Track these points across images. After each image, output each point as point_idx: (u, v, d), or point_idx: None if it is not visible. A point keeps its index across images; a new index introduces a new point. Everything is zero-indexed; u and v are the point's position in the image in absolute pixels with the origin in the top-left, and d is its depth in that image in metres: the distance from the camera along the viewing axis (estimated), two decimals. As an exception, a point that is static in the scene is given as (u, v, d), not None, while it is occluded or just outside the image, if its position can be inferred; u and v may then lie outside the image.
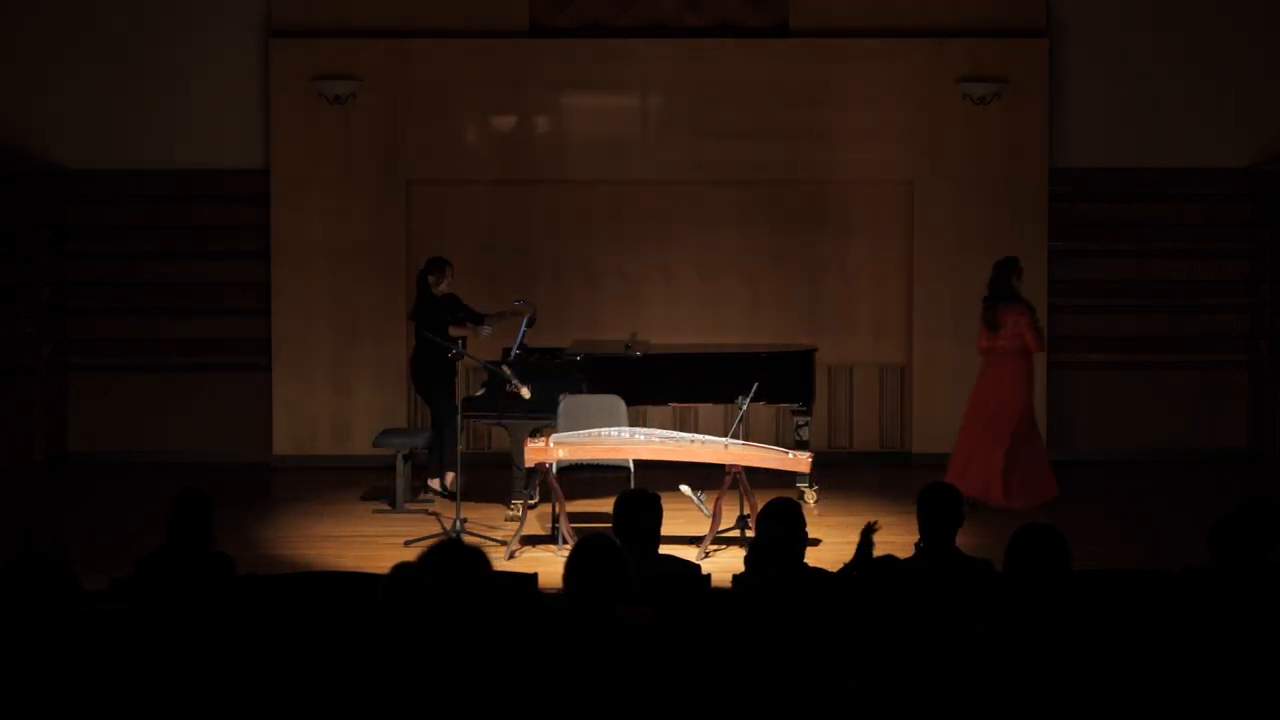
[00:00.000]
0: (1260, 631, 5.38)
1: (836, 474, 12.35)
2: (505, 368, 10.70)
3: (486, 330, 11.72)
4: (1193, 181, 13.53)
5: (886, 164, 13.39)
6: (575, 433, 10.19)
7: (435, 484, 11.81)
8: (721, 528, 10.03)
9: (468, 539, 10.05)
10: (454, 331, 11.49)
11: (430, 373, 11.53)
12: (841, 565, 6.39)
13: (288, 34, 13.29)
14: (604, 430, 10.24)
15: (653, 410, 12.84)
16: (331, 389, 13.38)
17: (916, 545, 6.38)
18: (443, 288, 11.65)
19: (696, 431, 11.67)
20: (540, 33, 13.43)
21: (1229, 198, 13.54)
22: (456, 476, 10.89)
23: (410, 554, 7.79)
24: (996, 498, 11.22)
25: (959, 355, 13.36)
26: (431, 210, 13.44)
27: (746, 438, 10.64)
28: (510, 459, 10.98)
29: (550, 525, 10.26)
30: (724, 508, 10.00)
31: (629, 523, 6.44)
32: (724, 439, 10.17)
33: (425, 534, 10.32)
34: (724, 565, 9.16)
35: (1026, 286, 13.42)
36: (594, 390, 10.82)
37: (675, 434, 10.57)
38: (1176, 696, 5.16)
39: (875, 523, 6.52)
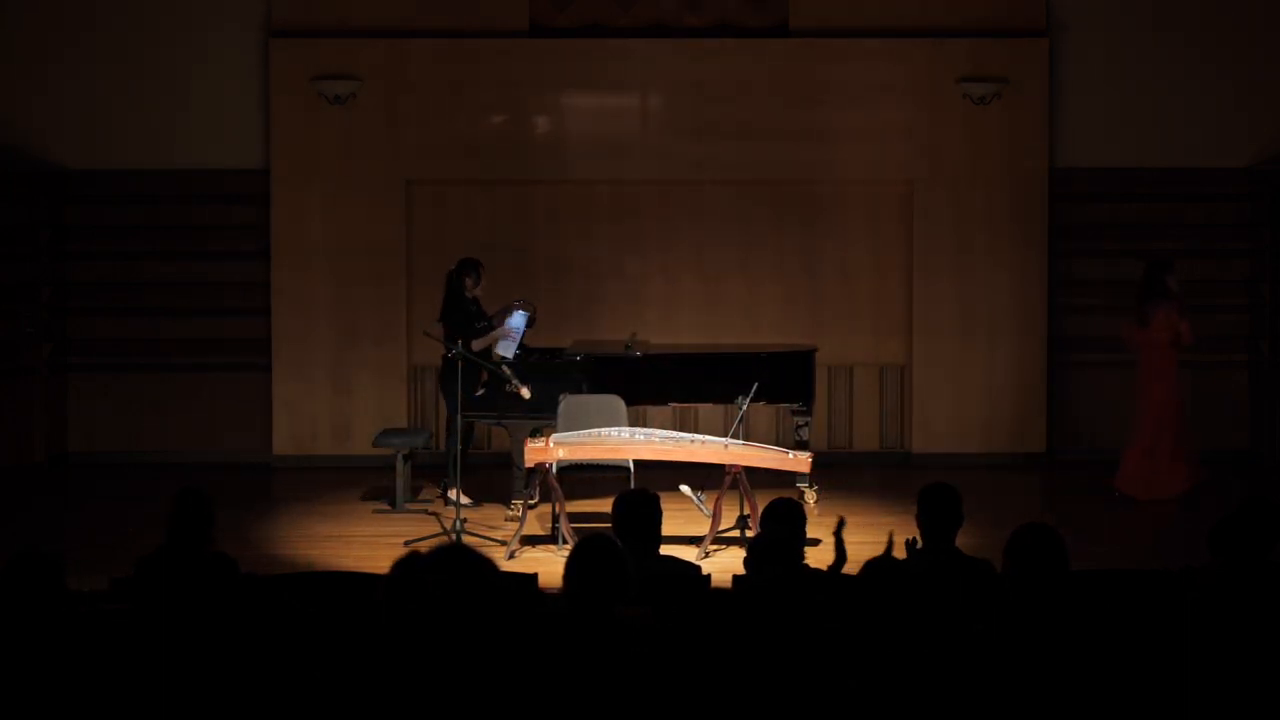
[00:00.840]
0: (1260, 631, 5.38)
1: (836, 474, 12.35)
2: (505, 368, 10.69)
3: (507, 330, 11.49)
4: (1193, 181, 13.53)
5: (886, 164, 13.38)
6: (575, 433, 10.19)
7: (453, 494, 11.64)
8: (721, 528, 10.03)
9: (468, 539, 10.08)
10: (476, 344, 11.38)
11: (442, 374, 11.43)
12: (827, 567, 6.39)
13: (288, 34, 13.29)
14: (604, 430, 10.23)
15: (653, 410, 12.83)
16: (331, 389, 13.38)
17: (908, 542, 6.35)
18: (478, 290, 11.55)
19: (696, 431, 11.67)
20: (540, 33, 13.43)
21: (1229, 198, 13.53)
22: (455, 486, 10.76)
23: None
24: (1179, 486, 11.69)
25: (959, 355, 13.38)
26: (431, 210, 13.44)
27: (746, 438, 10.63)
28: (510, 459, 10.97)
29: (550, 525, 10.26)
30: (724, 508, 10.00)
31: (629, 523, 6.44)
32: (724, 439, 10.17)
33: (425, 534, 10.33)
34: (724, 565, 9.16)
35: (1028, 285, 13.47)
36: (594, 390, 10.82)
37: (675, 434, 10.56)
38: (1176, 696, 5.16)
39: (843, 519, 6.56)
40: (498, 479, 11.67)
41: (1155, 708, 5.10)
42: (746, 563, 6.25)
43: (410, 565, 4.75)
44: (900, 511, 9.93)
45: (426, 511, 11.28)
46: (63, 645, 5.01)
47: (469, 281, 11.48)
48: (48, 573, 5.13)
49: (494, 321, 11.59)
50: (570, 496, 10.57)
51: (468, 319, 11.36)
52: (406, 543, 10.16)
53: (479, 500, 11.48)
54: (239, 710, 5.22)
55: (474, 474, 11.83)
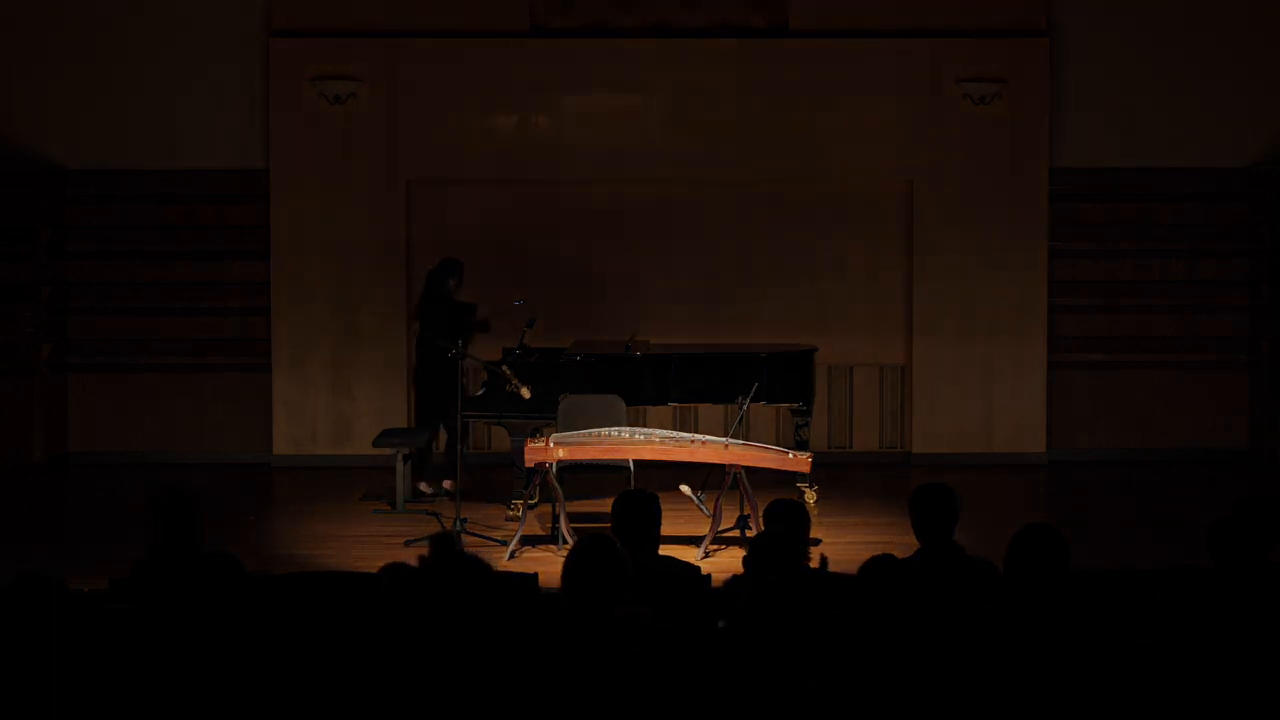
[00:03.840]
0: (1260, 632, 5.38)
1: (836, 474, 12.35)
2: (505, 368, 10.70)
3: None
4: (1193, 181, 13.54)
5: (886, 164, 13.39)
6: (575, 433, 10.19)
7: (447, 484, 11.72)
8: (721, 528, 10.03)
9: (468, 539, 10.09)
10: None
11: (439, 375, 11.46)
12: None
13: (288, 34, 13.29)
14: (604, 430, 10.23)
15: (653, 410, 12.84)
16: (331, 389, 13.38)
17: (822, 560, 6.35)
18: (458, 292, 11.60)
19: (696, 431, 11.67)
20: (540, 33, 13.43)
21: (1229, 198, 13.54)
22: (455, 482, 10.83)
23: (410, 554, 7.80)
24: None
25: (959, 355, 13.39)
26: (431, 210, 13.44)
27: (746, 438, 10.64)
28: (510, 459, 10.98)
29: (550, 525, 10.26)
30: (724, 508, 10.00)
31: (628, 523, 6.43)
32: (724, 439, 10.17)
33: (425, 534, 10.32)
34: (724, 565, 9.16)
35: (1028, 285, 13.48)
36: (594, 390, 10.82)
37: (675, 434, 10.56)
38: (1176, 697, 5.16)
39: (825, 557, 6.57)
40: (498, 479, 11.66)
41: (1155, 708, 5.10)
42: (746, 562, 6.24)
43: (402, 569, 4.75)
44: (900, 512, 9.89)
45: (426, 511, 11.27)
46: (63, 652, 5.00)
47: (453, 283, 11.56)
48: (46, 595, 5.10)
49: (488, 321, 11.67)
50: (570, 496, 10.57)
51: (455, 319, 11.39)
52: (407, 542, 10.18)
53: (468, 494, 11.47)
54: (239, 710, 5.22)
55: (474, 474, 11.84)
